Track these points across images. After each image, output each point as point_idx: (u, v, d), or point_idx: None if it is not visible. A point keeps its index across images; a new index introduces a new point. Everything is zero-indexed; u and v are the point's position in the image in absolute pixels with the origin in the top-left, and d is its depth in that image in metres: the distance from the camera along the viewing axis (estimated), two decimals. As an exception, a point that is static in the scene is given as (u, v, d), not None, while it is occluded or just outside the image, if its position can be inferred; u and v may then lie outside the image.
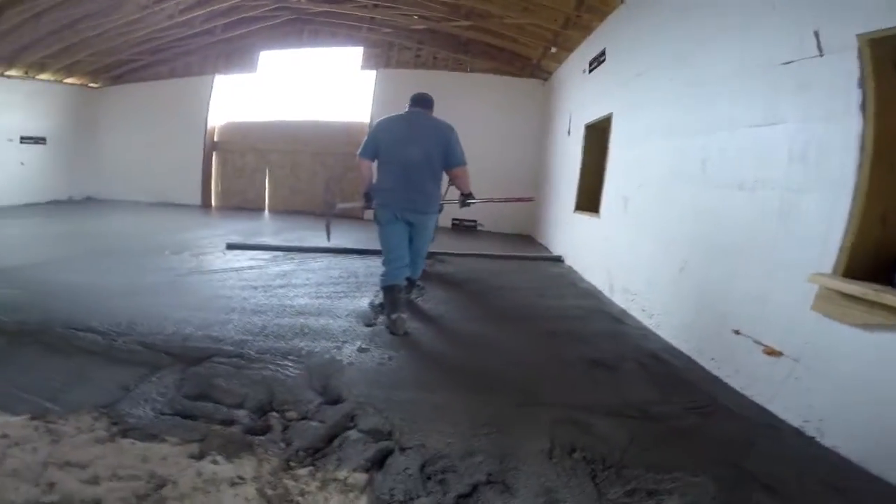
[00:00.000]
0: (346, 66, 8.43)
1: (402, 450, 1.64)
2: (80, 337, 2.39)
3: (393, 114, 3.08)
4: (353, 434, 1.72)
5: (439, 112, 8.10)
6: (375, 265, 4.53)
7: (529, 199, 4.65)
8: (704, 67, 2.91)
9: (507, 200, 3.86)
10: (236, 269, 4.11)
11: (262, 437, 1.66)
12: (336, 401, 1.95)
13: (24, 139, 8.09)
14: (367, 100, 8.25)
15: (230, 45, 8.48)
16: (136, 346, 2.32)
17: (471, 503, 1.42)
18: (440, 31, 7.50)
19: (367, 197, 3.06)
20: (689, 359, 2.66)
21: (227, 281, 3.72)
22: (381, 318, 2.96)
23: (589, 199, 5.18)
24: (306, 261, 4.58)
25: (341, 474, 1.50)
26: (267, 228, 6.88)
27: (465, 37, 7.40)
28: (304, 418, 1.81)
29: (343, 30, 8.10)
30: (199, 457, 1.53)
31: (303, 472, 1.50)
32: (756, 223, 2.35)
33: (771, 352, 2.16)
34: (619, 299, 3.76)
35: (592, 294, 4.07)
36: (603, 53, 4.81)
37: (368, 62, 8.22)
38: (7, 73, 7.47)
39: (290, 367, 2.20)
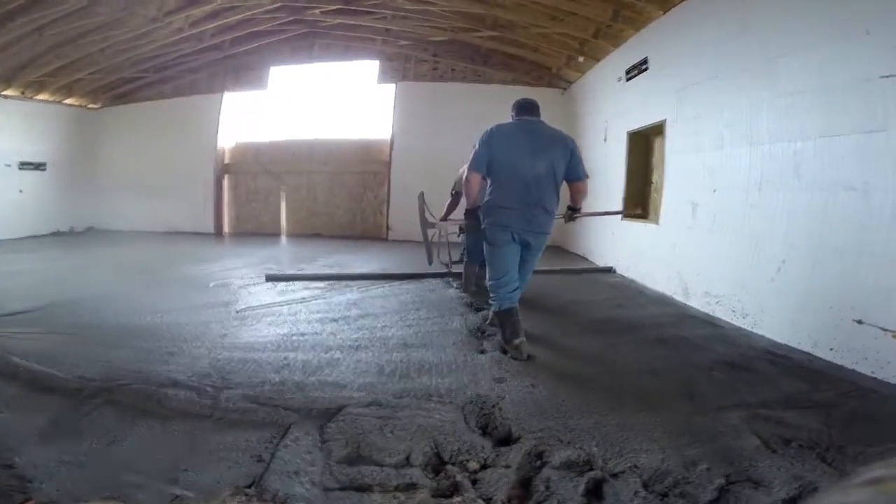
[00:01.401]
0: (362, 80, 8.29)
1: (615, 476, 1.55)
2: (167, 394, 2.05)
3: (503, 122, 2.78)
4: (550, 473, 1.56)
5: (459, 123, 8.01)
6: (436, 287, 4.35)
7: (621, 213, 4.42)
8: (790, 79, 2.98)
9: (604, 214, 3.62)
10: (300, 301, 3.88)
11: (458, 498, 1.46)
12: (507, 440, 1.79)
13: (23, 165, 7.55)
14: (388, 114, 8.13)
15: (238, 60, 8.24)
16: (246, 403, 2.01)
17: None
18: (458, 42, 7.38)
19: (473, 214, 2.78)
20: (802, 352, 2.74)
21: (299, 314, 3.48)
22: (488, 344, 2.83)
23: (636, 206, 5.11)
24: (365, 288, 4.38)
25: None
26: (296, 255, 6.62)
27: (486, 47, 7.30)
28: (485, 466, 1.63)
29: (357, 43, 7.97)
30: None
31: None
32: (870, 222, 2.45)
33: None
34: (699, 303, 3.78)
35: (666, 301, 4.08)
36: (645, 62, 4.83)
37: (385, 76, 8.11)
38: (4, 92, 6.93)
39: (439, 409, 1.99)
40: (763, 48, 3.19)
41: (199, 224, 8.56)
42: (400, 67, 8.04)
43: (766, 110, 3.17)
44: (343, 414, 1.90)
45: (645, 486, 1.52)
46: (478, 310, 3.54)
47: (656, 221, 4.55)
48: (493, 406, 2.00)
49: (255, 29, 7.45)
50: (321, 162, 8.46)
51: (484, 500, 1.45)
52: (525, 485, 1.54)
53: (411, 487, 1.50)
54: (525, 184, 2.60)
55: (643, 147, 5.21)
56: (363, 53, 8.05)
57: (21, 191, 7.57)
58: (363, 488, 1.48)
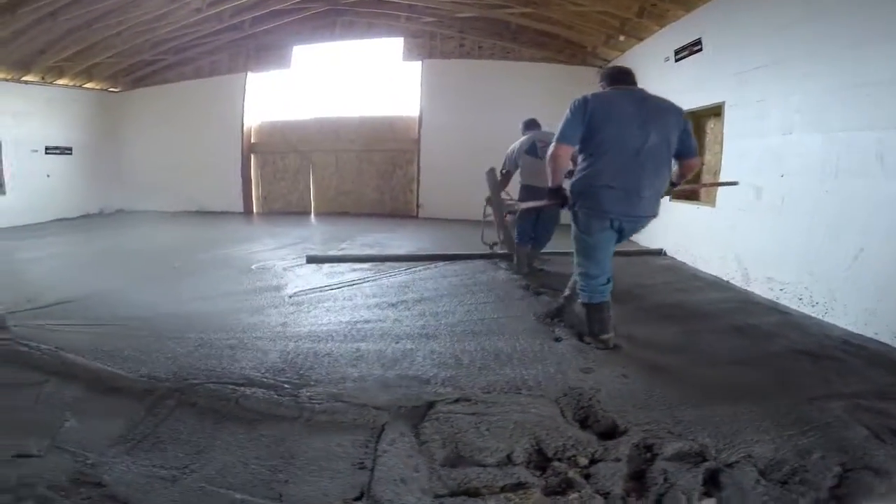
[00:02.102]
0: (386, 57, 8.11)
1: (730, 466, 1.55)
2: (244, 393, 1.94)
3: (600, 91, 2.44)
4: (664, 465, 1.54)
5: (488, 101, 7.80)
6: (484, 268, 4.29)
7: (734, 184, 3.63)
8: (870, 68, 2.85)
9: (712, 185, 3.07)
10: (350, 284, 3.82)
11: (574, 495, 1.43)
12: (611, 433, 1.75)
13: (49, 150, 7.51)
14: (415, 91, 7.99)
15: (258, 40, 8.07)
16: (332, 402, 1.90)
17: (847, 493, 1.43)
18: (485, 19, 7.11)
19: (559, 194, 2.45)
20: (880, 342, 2.66)
21: (355, 299, 3.41)
22: (560, 331, 2.75)
23: (685, 190, 4.96)
24: (412, 270, 4.32)
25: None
26: (331, 234, 6.59)
27: (515, 24, 7.01)
28: (595, 461, 1.59)
29: (380, 20, 7.76)
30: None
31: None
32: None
33: None
34: (761, 289, 3.70)
35: (723, 285, 4.00)
36: (698, 43, 4.69)
37: (411, 53, 7.94)
38: (24, 78, 6.83)
39: (533, 403, 1.92)
40: (838, 35, 3.05)
41: (228, 203, 8.57)
42: (425, 45, 7.84)
43: (842, 97, 3.03)
44: (434, 412, 1.83)
45: (762, 474, 1.51)
46: (537, 293, 3.49)
47: (712, 204, 4.42)
48: (591, 398, 1.96)
49: (276, 7, 7.21)
50: (348, 140, 8.38)
51: (601, 494, 1.42)
52: (637, 478, 1.52)
53: (520, 487, 1.45)
54: (632, 159, 2.25)
55: (694, 128, 5.01)
56: (387, 31, 7.84)
57: (48, 175, 7.54)
58: (472, 492, 1.43)
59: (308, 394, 1.96)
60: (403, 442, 1.65)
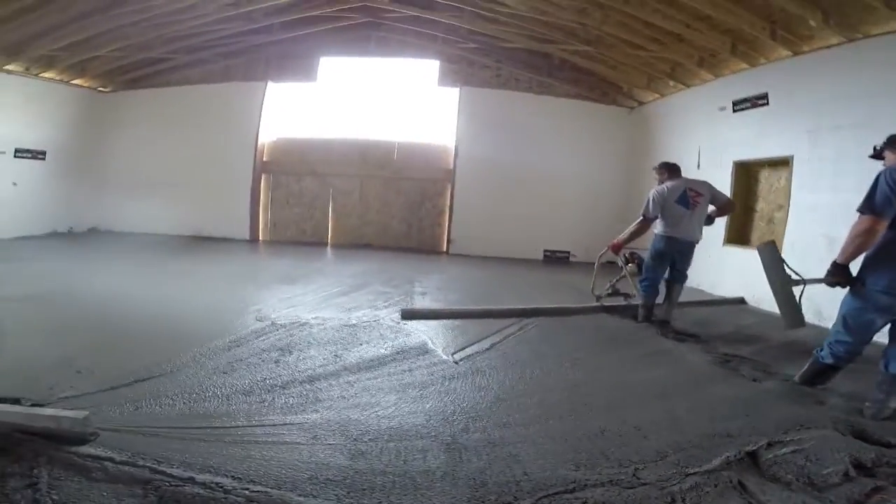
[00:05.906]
0: (421, 80, 8.24)
1: None
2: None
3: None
4: None
5: (524, 136, 8.33)
6: (594, 318, 4.43)
7: None
8: None
9: None
10: (496, 339, 3.60)
11: None
12: (888, 444, 2.24)
13: (19, 152, 6.53)
14: (451, 119, 8.21)
15: (283, 47, 7.87)
16: (683, 476, 1.91)
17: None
18: (526, 50, 7.59)
19: (847, 271, 2.49)
20: None
21: (528, 362, 3.16)
22: (744, 371, 3.20)
23: (739, 234, 5.66)
24: (530, 322, 4.15)
25: None
26: (387, 273, 6.14)
27: (558, 57, 7.51)
28: None
29: (415, 39, 7.91)
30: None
31: None
32: None
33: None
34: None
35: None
36: (764, 97, 5.38)
37: (446, 78, 8.18)
38: (6, 66, 5.99)
39: (822, 433, 2.30)
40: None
41: (231, 229, 8.00)
42: (462, 71, 8.16)
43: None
44: (764, 460, 2.06)
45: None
46: (680, 340, 3.86)
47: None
48: (858, 422, 2.39)
49: (312, 13, 7.02)
50: (376, 166, 8.31)
51: None
52: None
53: (878, 490, 1.84)
54: None
55: (746, 177, 5.79)
56: (421, 51, 8.00)
57: (15, 183, 6.51)
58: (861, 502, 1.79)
59: (665, 476, 1.95)
60: (772, 489, 1.88)
